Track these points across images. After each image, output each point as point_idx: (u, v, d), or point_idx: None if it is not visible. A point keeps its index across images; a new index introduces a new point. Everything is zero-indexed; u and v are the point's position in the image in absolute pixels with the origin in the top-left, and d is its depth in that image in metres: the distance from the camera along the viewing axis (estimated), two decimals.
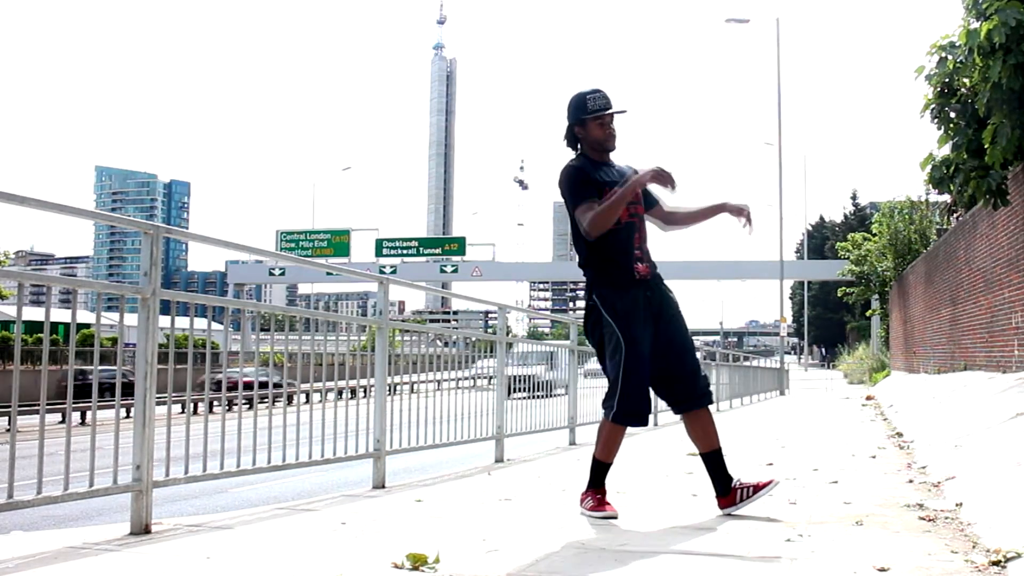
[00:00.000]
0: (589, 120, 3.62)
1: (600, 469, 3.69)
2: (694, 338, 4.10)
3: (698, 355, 3.83)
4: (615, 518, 3.55)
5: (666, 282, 3.73)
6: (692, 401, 3.63)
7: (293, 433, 4.36)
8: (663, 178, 3.46)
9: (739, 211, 3.67)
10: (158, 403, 3.47)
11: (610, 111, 3.61)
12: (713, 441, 3.62)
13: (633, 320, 3.54)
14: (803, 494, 4.21)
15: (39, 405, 3.06)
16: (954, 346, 12.88)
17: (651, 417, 10.39)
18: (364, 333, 5.82)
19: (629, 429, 3.71)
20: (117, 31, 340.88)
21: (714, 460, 3.62)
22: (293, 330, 4.77)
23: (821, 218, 70.13)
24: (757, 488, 3.53)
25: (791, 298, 66.66)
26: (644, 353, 3.53)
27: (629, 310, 3.55)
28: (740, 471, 3.75)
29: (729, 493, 3.59)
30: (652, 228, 3.82)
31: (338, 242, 44.38)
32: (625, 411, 3.54)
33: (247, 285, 51.63)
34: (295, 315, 4.92)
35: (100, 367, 3.40)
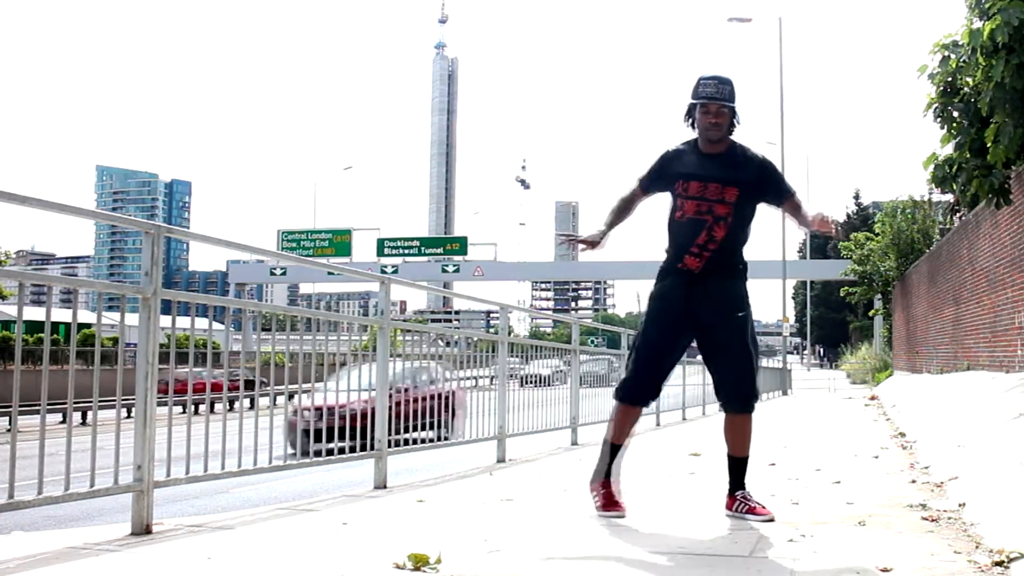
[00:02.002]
0: (697, 105, 3.63)
1: (609, 453, 3.72)
2: None
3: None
4: (622, 517, 3.57)
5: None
6: (730, 405, 3.66)
7: None
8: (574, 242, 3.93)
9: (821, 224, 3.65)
10: (159, 403, 3.46)
11: (713, 100, 3.56)
12: (738, 448, 3.65)
13: (661, 308, 3.64)
14: (806, 494, 4.21)
15: (40, 405, 3.05)
16: (957, 346, 12.86)
17: (653, 417, 10.40)
18: (366, 333, 5.81)
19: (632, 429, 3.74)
20: (117, 31, 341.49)
21: (733, 464, 3.68)
22: (294, 330, 4.77)
23: None
24: (750, 511, 3.53)
25: (793, 298, 66.55)
26: (657, 341, 3.63)
27: (662, 296, 3.66)
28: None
29: (731, 497, 3.64)
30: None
31: (339, 242, 44.35)
32: (625, 389, 3.69)
33: (248, 285, 51.60)
34: (296, 315, 4.91)
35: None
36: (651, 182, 3.77)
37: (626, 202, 3.88)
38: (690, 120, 3.67)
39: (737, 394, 3.61)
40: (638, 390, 3.69)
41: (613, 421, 3.77)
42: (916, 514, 3.58)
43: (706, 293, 3.57)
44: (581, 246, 3.97)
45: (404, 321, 45.75)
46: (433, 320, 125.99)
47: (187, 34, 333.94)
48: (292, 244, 43.91)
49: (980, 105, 7.82)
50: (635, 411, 3.75)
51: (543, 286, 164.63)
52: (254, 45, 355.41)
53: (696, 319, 3.60)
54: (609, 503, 3.65)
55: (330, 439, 4.58)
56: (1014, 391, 6.98)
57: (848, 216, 63.67)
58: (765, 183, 3.66)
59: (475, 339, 8.54)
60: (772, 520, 3.46)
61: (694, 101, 3.62)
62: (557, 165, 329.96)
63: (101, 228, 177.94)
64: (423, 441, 5.58)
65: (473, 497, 4.38)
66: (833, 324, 62.28)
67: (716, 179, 3.59)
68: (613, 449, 3.72)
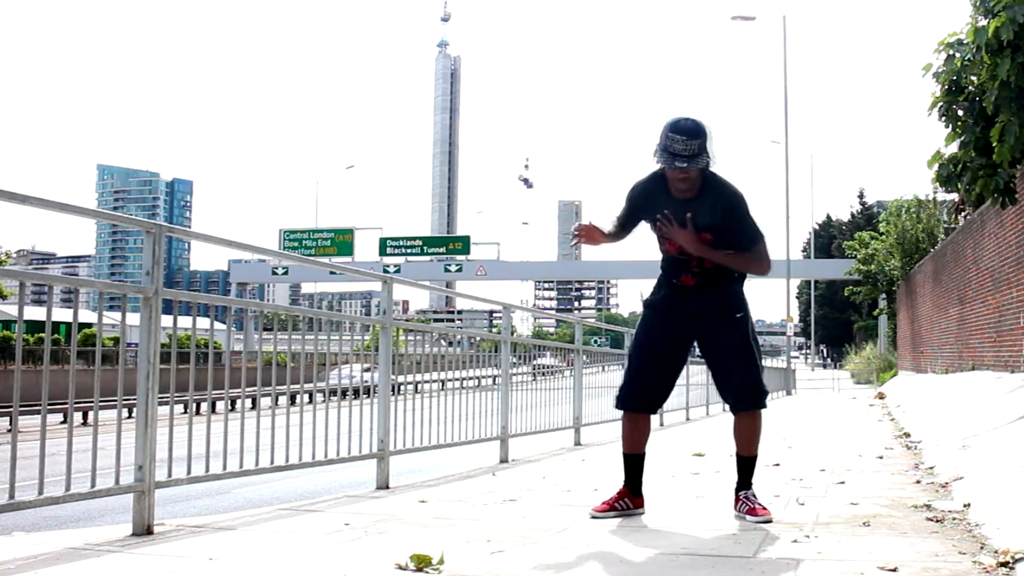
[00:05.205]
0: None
1: (623, 463, 3.76)
2: None
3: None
4: (641, 514, 3.65)
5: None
6: (738, 403, 3.64)
7: (296, 433, 4.34)
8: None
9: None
10: (160, 403, 3.45)
11: (678, 161, 3.33)
12: (745, 447, 3.64)
13: (652, 316, 3.69)
14: (810, 495, 4.19)
15: (40, 405, 3.04)
16: (962, 346, 12.84)
17: (656, 417, 10.37)
18: (368, 333, 5.80)
19: None
20: (118, 29, 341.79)
21: (740, 463, 3.67)
22: (296, 330, 4.75)
23: (828, 217, 69.85)
24: (750, 512, 3.51)
25: (797, 297, 66.46)
26: (648, 346, 3.66)
27: (652, 306, 3.71)
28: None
29: (736, 497, 3.65)
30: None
31: (342, 241, 44.32)
32: (621, 395, 3.72)
33: (250, 284, 51.63)
34: (298, 315, 4.89)
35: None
36: (623, 226, 3.70)
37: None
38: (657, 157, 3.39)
39: (744, 391, 3.58)
40: (633, 395, 3.69)
41: (622, 427, 3.81)
42: (921, 515, 3.56)
43: (701, 300, 3.59)
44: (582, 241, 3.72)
45: (407, 321, 45.71)
46: (436, 320, 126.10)
47: (188, 33, 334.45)
48: (294, 243, 43.91)
49: (985, 104, 7.79)
50: (638, 418, 3.73)
51: (546, 286, 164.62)
52: (256, 44, 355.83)
53: (692, 326, 3.62)
54: (611, 504, 3.66)
55: None
56: (1019, 391, 6.96)
57: (852, 215, 63.63)
58: (731, 227, 3.51)
59: (478, 339, 8.53)
60: (770, 521, 3.44)
61: (659, 158, 3.37)
62: (560, 164, 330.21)
63: (102, 227, 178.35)
64: None
65: (476, 497, 4.36)
66: (837, 324, 62.19)
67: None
68: (625, 459, 3.74)
